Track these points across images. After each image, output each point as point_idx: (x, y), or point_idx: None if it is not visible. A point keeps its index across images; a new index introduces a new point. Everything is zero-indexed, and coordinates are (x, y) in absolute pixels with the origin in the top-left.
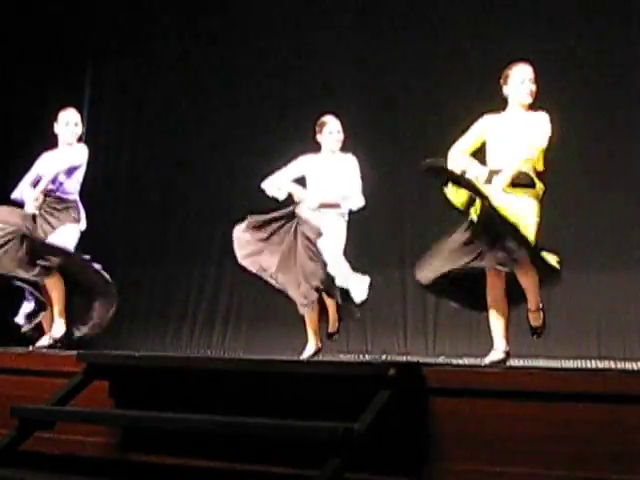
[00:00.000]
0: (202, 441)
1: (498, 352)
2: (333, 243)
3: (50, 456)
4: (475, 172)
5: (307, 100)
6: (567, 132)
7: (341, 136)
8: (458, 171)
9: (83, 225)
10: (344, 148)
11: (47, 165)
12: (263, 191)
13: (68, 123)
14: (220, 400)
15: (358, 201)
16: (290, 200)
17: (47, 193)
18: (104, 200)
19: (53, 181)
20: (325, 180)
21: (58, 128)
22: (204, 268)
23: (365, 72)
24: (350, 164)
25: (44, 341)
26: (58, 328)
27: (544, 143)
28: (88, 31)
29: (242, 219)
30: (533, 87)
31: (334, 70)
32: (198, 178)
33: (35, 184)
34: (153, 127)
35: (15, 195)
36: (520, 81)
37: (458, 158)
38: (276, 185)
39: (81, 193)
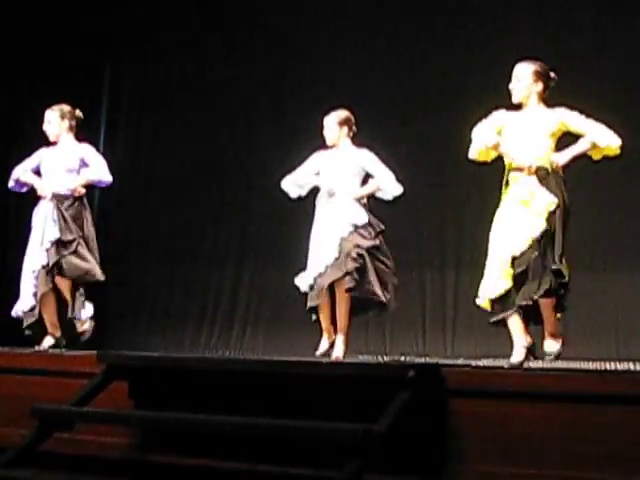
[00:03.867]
0: (221, 442)
1: (519, 351)
2: (343, 223)
3: (69, 457)
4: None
5: (328, 97)
6: None
7: (328, 133)
8: (493, 142)
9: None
10: (366, 144)
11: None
12: (282, 191)
13: (50, 122)
14: (239, 401)
15: (395, 189)
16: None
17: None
18: (123, 202)
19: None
20: (335, 174)
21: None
22: (223, 269)
23: (389, 67)
24: (365, 158)
25: (48, 342)
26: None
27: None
28: (106, 32)
29: (260, 219)
30: (511, 85)
31: (356, 66)
32: (217, 179)
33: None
34: (172, 128)
35: (15, 179)
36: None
37: (491, 134)
38: (297, 183)
39: (101, 195)
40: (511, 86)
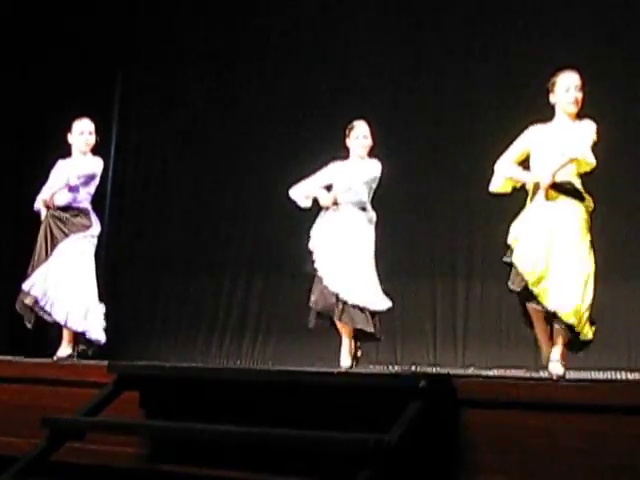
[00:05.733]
0: (231, 452)
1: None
2: (355, 248)
3: (81, 466)
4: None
5: (340, 105)
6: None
7: (368, 141)
8: (508, 177)
9: (96, 230)
10: (377, 155)
11: (62, 172)
12: (293, 201)
13: (83, 132)
14: (250, 411)
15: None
16: (317, 206)
17: (61, 206)
18: (134, 211)
19: (70, 190)
20: (349, 185)
21: (72, 138)
22: (234, 279)
23: (399, 76)
24: (371, 168)
25: (64, 351)
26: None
27: (590, 143)
28: (118, 40)
29: (272, 230)
30: (579, 95)
31: (368, 75)
32: (229, 190)
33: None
34: (183, 138)
35: (35, 206)
36: (565, 89)
37: (508, 168)
38: (303, 194)
39: (111, 204)
40: (579, 96)
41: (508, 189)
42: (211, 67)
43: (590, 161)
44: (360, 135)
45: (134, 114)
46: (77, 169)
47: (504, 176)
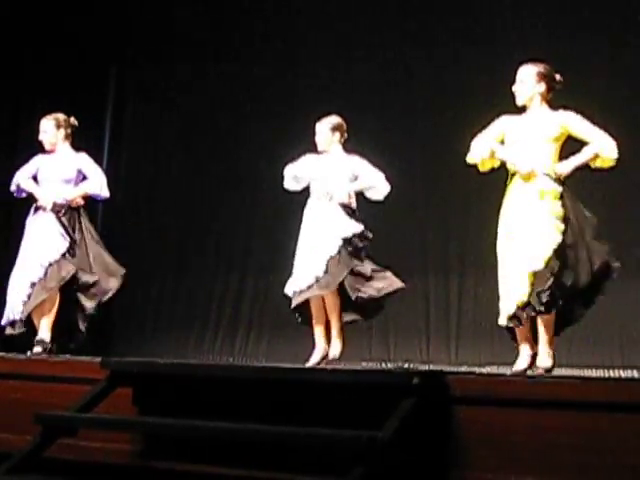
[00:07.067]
0: (225, 449)
1: (523, 359)
2: (332, 236)
3: (73, 463)
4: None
5: (339, 105)
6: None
7: (320, 137)
8: (488, 151)
9: None
10: (374, 153)
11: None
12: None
13: (46, 131)
14: (243, 408)
15: (383, 188)
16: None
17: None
18: (127, 209)
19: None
20: (328, 180)
21: (59, 133)
22: (227, 276)
23: (397, 76)
24: (356, 162)
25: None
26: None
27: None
28: (112, 37)
29: (264, 227)
30: (514, 88)
31: (366, 74)
32: (221, 188)
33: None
34: (177, 136)
35: (17, 185)
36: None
37: (488, 143)
38: (295, 176)
39: (104, 203)
40: (514, 88)
41: (488, 167)
42: (207, 65)
43: (612, 159)
44: (316, 132)
45: (128, 112)
46: (90, 185)
47: (486, 155)
